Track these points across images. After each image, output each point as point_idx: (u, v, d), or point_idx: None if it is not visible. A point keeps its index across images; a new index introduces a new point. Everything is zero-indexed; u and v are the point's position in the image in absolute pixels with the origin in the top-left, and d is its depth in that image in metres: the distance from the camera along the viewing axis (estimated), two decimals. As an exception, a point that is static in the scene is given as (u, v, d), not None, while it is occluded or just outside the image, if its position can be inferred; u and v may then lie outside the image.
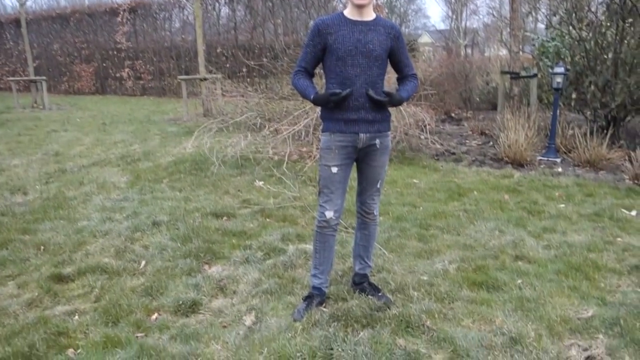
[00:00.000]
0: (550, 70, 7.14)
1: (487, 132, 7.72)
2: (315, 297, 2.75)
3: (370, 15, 2.55)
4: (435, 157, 6.41)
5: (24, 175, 5.57)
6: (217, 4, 15.38)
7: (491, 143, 7.06)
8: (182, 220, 4.05)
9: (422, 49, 23.97)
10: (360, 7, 2.49)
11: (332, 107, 2.55)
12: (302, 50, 2.63)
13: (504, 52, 12.65)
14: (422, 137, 6.60)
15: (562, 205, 4.47)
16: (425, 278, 3.05)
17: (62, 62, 18.52)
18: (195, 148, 6.27)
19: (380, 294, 2.83)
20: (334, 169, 2.60)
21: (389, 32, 2.58)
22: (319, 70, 2.74)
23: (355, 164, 2.72)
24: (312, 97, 2.57)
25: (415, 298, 2.79)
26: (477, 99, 10.68)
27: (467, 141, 7.39)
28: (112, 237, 3.76)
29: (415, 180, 5.33)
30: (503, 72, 7.68)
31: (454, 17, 38.06)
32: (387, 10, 13.60)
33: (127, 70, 17.19)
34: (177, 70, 16.35)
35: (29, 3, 12.80)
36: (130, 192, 4.92)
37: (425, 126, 6.71)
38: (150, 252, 3.49)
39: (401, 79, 2.77)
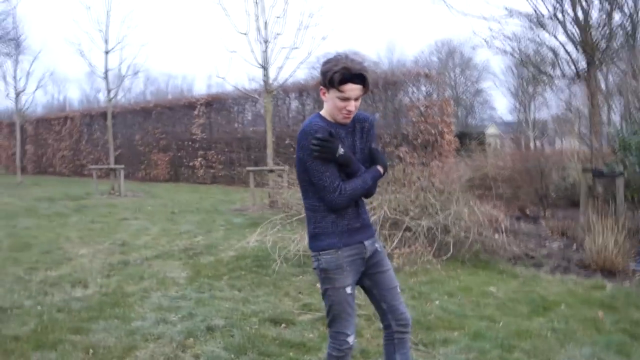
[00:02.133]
0: (638, 169, 6.61)
1: (568, 233, 7.11)
2: None
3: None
4: (513, 261, 5.89)
5: (88, 266, 5.58)
6: (287, 99, 15.98)
7: (575, 246, 6.45)
8: (238, 327, 3.79)
9: (489, 140, 23.68)
10: None
11: (334, 219, 2.30)
12: (322, 170, 2.25)
13: (576, 144, 12.09)
14: (497, 237, 6.13)
15: (671, 328, 3.83)
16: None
17: (141, 151, 19.64)
18: (258, 243, 6.12)
19: None
20: (349, 290, 2.33)
21: (364, 128, 2.42)
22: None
23: (361, 284, 2.46)
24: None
25: None
26: (554, 195, 10.07)
27: (547, 243, 6.81)
28: (164, 342, 3.54)
29: (492, 289, 4.84)
30: (585, 170, 7.20)
31: (522, 109, 37.78)
32: (453, 103, 13.59)
33: (199, 159, 17.91)
34: (247, 160, 16.84)
35: (119, 97, 13.90)
36: (188, 290, 4.75)
37: (499, 225, 6.27)
38: (201, 363, 3.22)
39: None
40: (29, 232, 7.70)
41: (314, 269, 2.41)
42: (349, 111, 2.28)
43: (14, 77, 17.24)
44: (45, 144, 23.80)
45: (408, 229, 5.97)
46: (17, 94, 17.45)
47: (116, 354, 3.35)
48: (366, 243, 2.39)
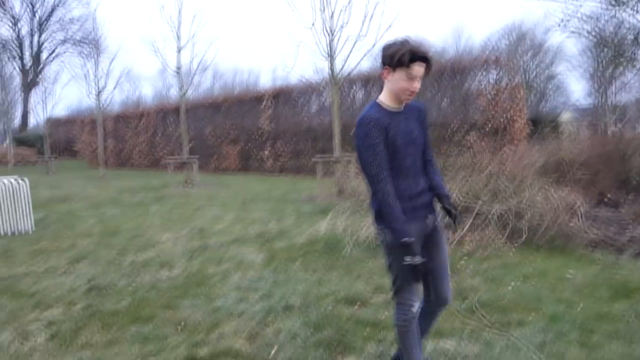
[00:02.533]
0: None
1: (653, 219, 6.76)
2: None
3: (403, 103, 2.52)
4: (591, 247, 5.70)
5: (172, 250, 5.96)
6: (352, 89, 16.04)
7: (660, 232, 6.13)
8: (314, 306, 3.95)
9: (564, 126, 22.64)
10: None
11: (397, 197, 2.42)
12: (371, 154, 2.38)
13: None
14: (574, 223, 5.94)
15: None
16: (594, 398, 2.56)
17: (212, 144, 20.37)
18: (328, 229, 6.27)
19: None
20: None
21: (420, 116, 2.61)
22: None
23: None
24: (408, 240, 2.34)
25: None
26: (636, 180, 9.55)
27: (629, 229, 6.51)
28: (246, 319, 3.76)
29: (569, 273, 4.73)
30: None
31: (599, 93, 35.70)
32: (524, 89, 13.11)
33: (267, 150, 18.37)
34: (313, 150, 17.08)
35: (189, 93, 14.49)
36: (265, 272, 4.98)
37: (576, 211, 6.07)
38: (282, 338, 3.40)
39: (426, 163, 2.69)
40: (115, 220, 8.27)
41: (380, 242, 2.56)
42: (414, 90, 2.40)
43: (95, 77, 18.36)
44: (123, 139, 25.19)
45: (479, 214, 5.91)
46: (98, 93, 18.56)
47: (204, 328, 3.60)
48: (427, 220, 2.56)
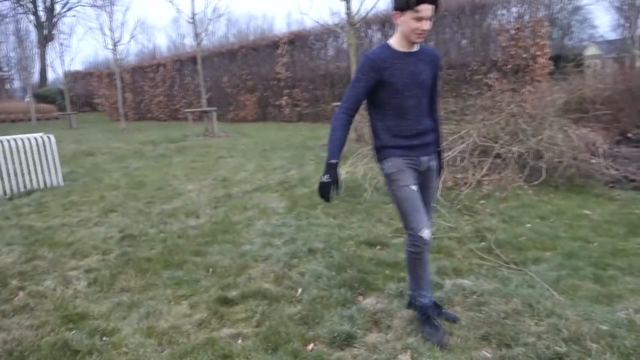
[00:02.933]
0: None
1: (676, 155, 6.70)
2: (432, 313, 2.75)
3: (417, 46, 2.61)
4: (611, 185, 5.72)
5: (197, 200, 6.15)
6: (370, 31, 15.73)
7: (682, 168, 6.10)
8: (336, 249, 4.11)
9: (588, 62, 21.93)
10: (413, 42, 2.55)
11: (393, 135, 2.63)
12: (351, 87, 2.58)
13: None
14: (594, 161, 5.94)
15: None
16: (605, 328, 2.68)
17: (229, 93, 20.37)
18: (348, 174, 6.38)
19: (444, 311, 2.92)
20: (414, 187, 2.63)
21: (433, 61, 2.69)
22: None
23: None
24: (332, 161, 2.50)
25: (594, 352, 2.46)
26: (661, 117, 9.36)
27: (650, 166, 6.48)
28: (272, 262, 3.94)
29: (586, 211, 4.79)
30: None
31: (627, 25, 34.23)
32: (547, 23, 12.64)
33: (285, 98, 18.32)
34: (331, 97, 17.00)
35: (204, 42, 14.32)
36: (287, 218, 5.15)
37: (597, 149, 6.05)
38: (307, 279, 3.58)
39: (431, 111, 2.82)
40: (140, 172, 8.49)
41: (382, 176, 2.75)
42: (423, 30, 2.46)
43: (110, 29, 18.27)
44: (142, 91, 25.30)
45: (498, 155, 5.94)
46: (115, 44, 18.52)
47: (232, 272, 3.80)
48: (422, 158, 2.70)
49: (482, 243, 4.13)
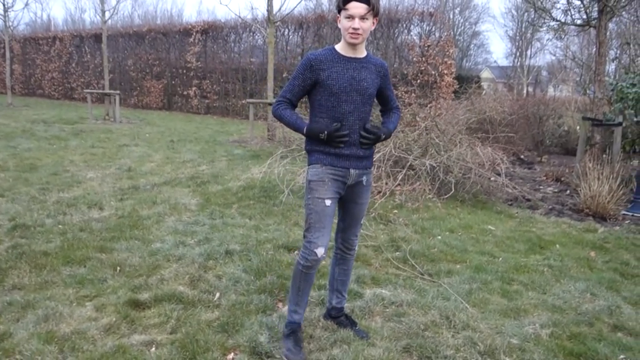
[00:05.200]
0: (637, 119, 6.77)
1: (563, 179, 7.36)
2: (297, 330, 2.69)
3: (362, 53, 2.59)
4: (510, 202, 6.14)
5: (100, 190, 5.70)
6: (286, 31, 15.66)
7: (568, 191, 6.71)
8: (254, 252, 3.99)
9: (482, 84, 23.58)
10: (353, 45, 2.52)
11: (325, 141, 2.54)
12: (289, 82, 2.62)
13: (569, 92, 12.18)
14: (495, 179, 6.34)
15: (657, 269, 4.12)
16: (515, 342, 2.83)
17: (134, 77, 19.29)
18: (263, 174, 6.26)
19: (357, 328, 2.87)
20: (328, 202, 2.55)
21: (379, 71, 2.64)
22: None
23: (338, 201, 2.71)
24: (305, 128, 2.56)
25: (509, 365, 2.58)
26: (548, 142, 10.28)
27: (542, 187, 7.07)
28: (186, 263, 3.73)
29: (490, 227, 5.09)
30: (585, 119, 7.35)
31: (518, 54, 37.37)
32: (454, 45, 13.33)
33: (194, 88, 17.70)
34: (242, 92, 16.71)
35: (107, 19, 13.27)
36: (201, 216, 4.92)
37: (499, 168, 6.47)
38: (224, 283, 3.43)
39: (385, 111, 2.86)
40: (31, 154, 7.73)
41: (305, 181, 2.69)
42: (355, 29, 2.43)
43: (1, -7, 16.51)
44: (33, 64, 23.19)
45: (411, 167, 6.14)
46: (5, 10, 16.77)
47: (142, 272, 3.54)
48: (352, 171, 2.61)
49: (398, 252, 4.22)
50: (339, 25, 2.52)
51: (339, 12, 2.49)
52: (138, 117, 14.83)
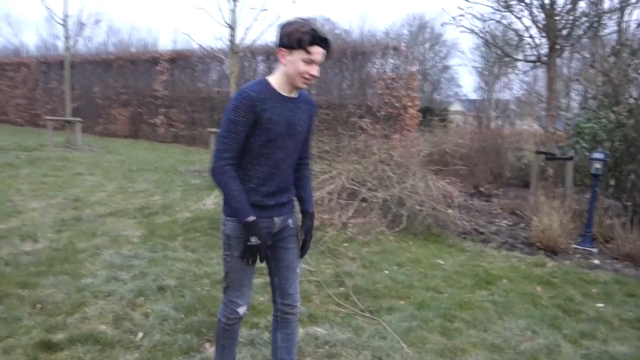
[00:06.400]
0: (588, 154, 6.86)
1: (518, 212, 7.39)
2: None
3: (296, 91, 2.27)
4: (463, 236, 6.10)
5: (39, 221, 5.46)
6: (254, 61, 15.72)
7: (522, 225, 6.72)
8: (189, 287, 3.82)
9: (452, 117, 24.01)
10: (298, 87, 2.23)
11: (247, 191, 2.20)
12: (228, 131, 2.13)
13: (535, 127, 12.46)
14: (449, 212, 6.31)
15: (601, 305, 4.08)
16: (447, 385, 2.72)
17: (100, 105, 19.01)
18: (214, 205, 6.11)
19: None
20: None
21: (310, 110, 2.36)
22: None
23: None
24: (250, 218, 2.15)
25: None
26: (508, 175, 10.40)
27: (497, 220, 7.07)
28: (114, 300, 3.54)
29: (440, 261, 5.02)
30: (538, 152, 7.44)
31: (487, 88, 38.34)
32: (420, 77, 13.60)
33: (161, 117, 17.51)
34: (209, 121, 16.57)
35: (80, 47, 13.10)
36: (141, 249, 4.73)
37: (452, 201, 6.45)
38: (150, 322, 3.25)
39: (300, 166, 2.47)
40: (-24, 182, 7.43)
41: (222, 232, 2.35)
42: (312, 75, 2.17)
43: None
44: (-3, 90, 22.70)
45: (364, 199, 6.08)
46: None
47: (64, 309, 3.34)
48: (276, 219, 2.32)
49: (341, 288, 4.11)
50: (284, 62, 2.17)
51: (290, 49, 2.14)
52: (101, 145, 14.53)
